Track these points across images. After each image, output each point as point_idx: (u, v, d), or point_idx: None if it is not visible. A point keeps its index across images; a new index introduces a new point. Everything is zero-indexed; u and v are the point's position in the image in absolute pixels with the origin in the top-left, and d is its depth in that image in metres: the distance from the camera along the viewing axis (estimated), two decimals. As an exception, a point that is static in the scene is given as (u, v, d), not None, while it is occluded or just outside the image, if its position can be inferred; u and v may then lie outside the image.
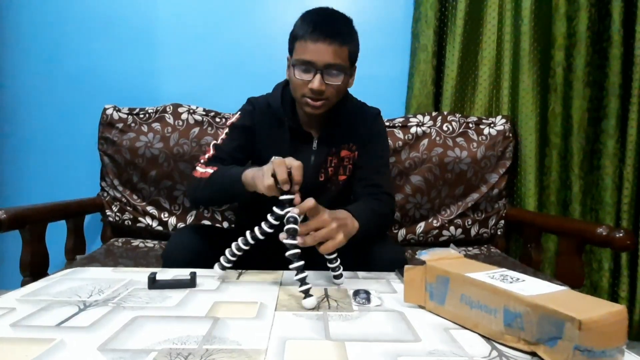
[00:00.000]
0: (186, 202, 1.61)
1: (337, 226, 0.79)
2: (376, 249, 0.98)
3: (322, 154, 1.11)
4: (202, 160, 1.07)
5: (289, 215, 0.73)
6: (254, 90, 1.21)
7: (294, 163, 0.75)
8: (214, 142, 1.11)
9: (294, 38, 1.01)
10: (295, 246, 0.71)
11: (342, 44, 0.97)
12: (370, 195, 1.08)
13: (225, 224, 1.62)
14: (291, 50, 1.02)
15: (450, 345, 0.55)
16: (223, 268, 0.82)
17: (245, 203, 1.30)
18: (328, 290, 0.78)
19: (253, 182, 0.83)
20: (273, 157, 0.78)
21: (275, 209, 0.75)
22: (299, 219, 0.74)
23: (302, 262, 0.71)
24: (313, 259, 0.84)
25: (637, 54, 1.64)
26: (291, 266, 0.71)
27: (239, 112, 1.15)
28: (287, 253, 0.70)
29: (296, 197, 0.74)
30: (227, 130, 1.13)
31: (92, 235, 1.73)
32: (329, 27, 0.98)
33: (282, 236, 0.72)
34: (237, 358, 0.50)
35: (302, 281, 0.69)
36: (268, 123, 1.11)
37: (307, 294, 0.68)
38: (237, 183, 0.89)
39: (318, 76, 0.97)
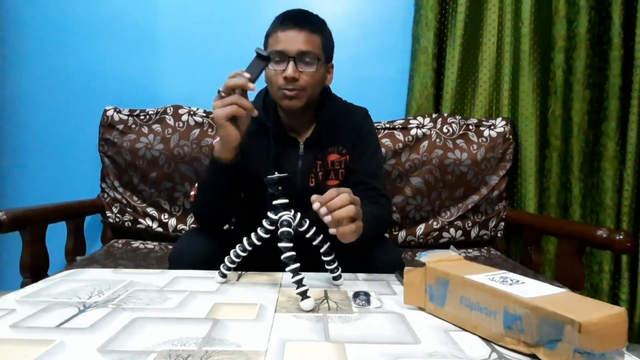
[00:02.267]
0: (186, 204, 1.61)
1: (357, 211, 0.77)
2: (376, 251, 0.97)
3: (310, 158, 1.09)
4: (196, 184, 1.09)
5: (282, 219, 0.73)
6: (254, 92, 1.21)
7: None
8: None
9: (267, 37, 1.03)
10: (290, 249, 0.71)
11: (312, 32, 0.99)
12: (368, 199, 1.06)
13: (225, 225, 1.62)
14: (266, 49, 1.03)
15: (450, 347, 0.55)
16: (224, 276, 0.83)
17: (243, 206, 1.30)
18: (328, 292, 0.78)
19: (219, 139, 0.89)
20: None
21: (269, 214, 0.76)
22: (293, 223, 0.74)
23: (297, 265, 0.71)
24: (312, 261, 0.84)
25: (637, 56, 1.64)
26: (287, 269, 0.71)
27: None
28: (283, 256, 0.70)
29: (314, 204, 0.74)
30: None
31: (92, 237, 1.73)
32: (298, 16, 1.01)
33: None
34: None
35: (299, 283, 0.69)
36: (253, 132, 1.09)
37: (304, 295, 0.68)
38: (214, 164, 0.91)
39: (291, 64, 0.97)
